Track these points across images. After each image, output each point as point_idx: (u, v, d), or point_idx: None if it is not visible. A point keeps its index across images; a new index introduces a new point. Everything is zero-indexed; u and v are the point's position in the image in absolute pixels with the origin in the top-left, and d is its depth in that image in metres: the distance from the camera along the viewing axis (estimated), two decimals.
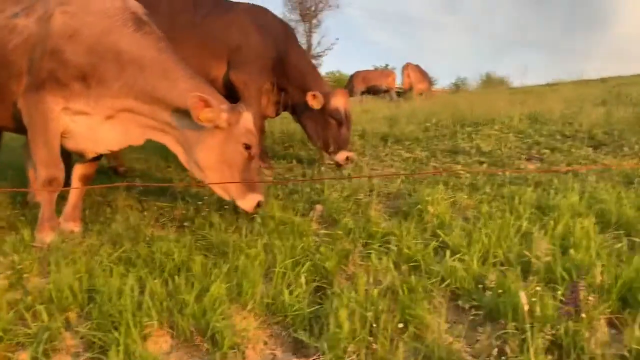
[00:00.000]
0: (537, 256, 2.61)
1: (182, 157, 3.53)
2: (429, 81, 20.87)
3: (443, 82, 33.76)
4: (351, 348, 2.11)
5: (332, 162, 5.38)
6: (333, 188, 4.09)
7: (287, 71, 5.42)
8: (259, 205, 3.44)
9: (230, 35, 5.17)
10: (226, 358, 2.18)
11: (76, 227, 3.56)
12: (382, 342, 2.15)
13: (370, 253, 2.96)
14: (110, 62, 3.27)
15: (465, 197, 3.82)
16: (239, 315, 2.49)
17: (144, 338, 2.25)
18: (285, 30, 5.61)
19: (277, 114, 5.83)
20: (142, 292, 2.51)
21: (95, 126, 3.40)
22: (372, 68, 26.78)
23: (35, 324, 2.32)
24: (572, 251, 2.77)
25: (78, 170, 3.72)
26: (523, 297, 1.89)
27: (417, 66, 20.44)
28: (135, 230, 3.36)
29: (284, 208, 3.72)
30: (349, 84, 22.29)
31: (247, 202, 3.41)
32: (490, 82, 22.65)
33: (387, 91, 21.14)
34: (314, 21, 41.27)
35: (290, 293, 2.57)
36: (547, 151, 5.25)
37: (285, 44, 5.45)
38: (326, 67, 48.69)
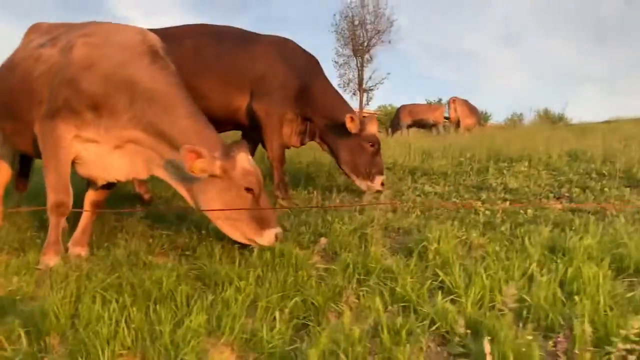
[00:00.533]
0: (504, 302, 2.43)
1: (190, 203, 3.54)
2: (478, 116, 20.53)
3: (499, 117, 33.26)
4: None
5: (368, 189, 5.31)
6: (342, 220, 4.00)
7: (312, 101, 5.44)
8: (276, 237, 3.40)
9: (254, 66, 5.24)
10: None
11: (83, 252, 3.62)
12: None
13: (363, 290, 2.86)
14: (122, 93, 3.35)
15: (475, 235, 3.66)
16: (215, 349, 2.43)
17: None
18: (310, 61, 5.63)
19: (303, 144, 5.82)
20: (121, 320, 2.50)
21: (104, 155, 3.47)
22: (424, 102, 26.63)
23: (12, 348, 2.34)
24: (576, 297, 2.59)
25: (90, 196, 3.81)
26: (487, 346, 1.75)
27: (464, 101, 20.19)
28: (136, 257, 3.37)
29: (288, 239, 3.66)
30: (395, 118, 22.29)
31: (265, 239, 3.37)
32: (548, 118, 22.16)
33: (434, 125, 20.96)
34: (366, 56, 41.72)
35: (272, 329, 2.49)
36: (577, 190, 5.00)
37: (309, 75, 5.48)
38: (379, 101, 48.84)
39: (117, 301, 2.64)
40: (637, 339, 2.10)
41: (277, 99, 5.21)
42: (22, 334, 2.39)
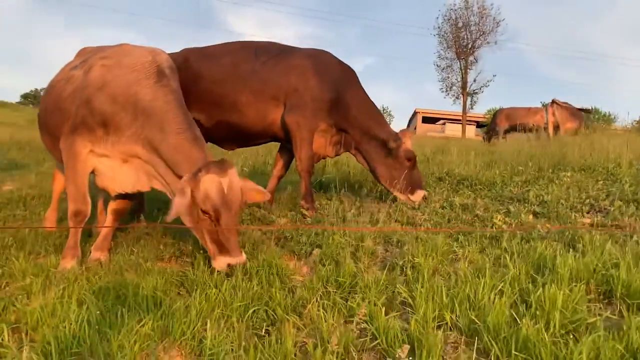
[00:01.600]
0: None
1: None
2: (580, 120, 19.16)
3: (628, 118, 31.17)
4: None
5: (409, 203, 5.29)
6: (341, 233, 4.04)
7: (347, 113, 5.50)
8: (229, 266, 3.35)
9: (288, 79, 5.37)
10: None
11: (103, 256, 3.97)
12: None
13: (325, 304, 2.91)
14: (127, 112, 3.62)
15: (469, 250, 3.54)
16: (165, 352, 2.61)
17: None
18: (345, 74, 5.68)
19: (338, 154, 5.88)
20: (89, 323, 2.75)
21: (115, 168, 3.79)
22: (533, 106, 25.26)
23: None
24: (523, 320, 2.46)
25: (112, 205, 4.16)
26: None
27: (565, 104, 19.00)
28: (137, 263, 3.65)
29: (282, 251, 3.78)
30: (492, 123, 21.47)
31: (218, 264, 3.37)
32: None
33: (534, 130, 19.91)
34: (471, 58, 40.54)
35: (223, 336, 2.63)
36: (620, 203, 4.61)
37: (344, 87, 5.53)
38: (486, 104, 47.21)
39: (93, 303, 2.91)
40: None
41: (309, 111, 5.30)
42: (6, 330, 2.72)
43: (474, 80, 40.02)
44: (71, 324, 2.66)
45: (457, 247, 3.66)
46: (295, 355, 2.45)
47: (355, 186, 6.57)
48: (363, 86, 5.77)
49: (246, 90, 5.38)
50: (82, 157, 3.77)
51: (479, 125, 52.04)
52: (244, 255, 3.39)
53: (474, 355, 2.33)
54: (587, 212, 4.61)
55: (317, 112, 5.36)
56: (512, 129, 20.16)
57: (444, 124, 61.25)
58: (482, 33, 39.66)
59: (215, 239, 3.35)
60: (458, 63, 40.53)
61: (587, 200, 4.82)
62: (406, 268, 3.30)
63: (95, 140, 3.73)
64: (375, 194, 5.90)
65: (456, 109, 43.23)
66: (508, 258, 3.31)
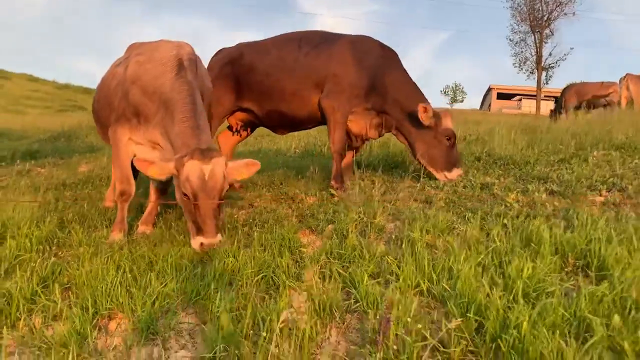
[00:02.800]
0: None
1: None
2: None
3: None
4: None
5: (445, 180, 5.50)
6: (357, 210, 4.37)
7: (387, 96, 5.72)
8: (202, 246, 3.59)
9: (328, 66, 5.65)
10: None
11: (148, 230, 4.52)
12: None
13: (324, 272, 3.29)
14: (154, 102, 4.03)
15: (469, 226, 3.78)
16: (183, 311, 3.09)
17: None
18: (385, 57, 5.86)
19: (380, 135, 6.13)
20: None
21: (148, 153, 4.23)
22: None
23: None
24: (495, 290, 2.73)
25: (152, 184, 4.71)
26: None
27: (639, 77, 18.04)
28: (173, 236, 4.17)
29: (301, 225, 4.18)
30: (560, 99, 20.74)
31: (193, 242, 3.65)
32: None
33: (607, 105, 19.07)
34: (546, 31, 38.89)
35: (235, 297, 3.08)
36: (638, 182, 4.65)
37: (384, 71, 5.73)
38: (567, 78, 45.06)
39: (129, 269, 3.44)
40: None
41: (344, 96, 5.57)
42: (57, 288, 3.30)
43: (550, 54, 38.47)
44: (107, 285, 3.19)
45: (458, 224, 3.91)
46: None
47: (397, 165, 6.85)
48: (404, 67, 5.94)
49: (291, 80, 5.74)
50: (123, 143, 4.30)
51: (557, 100, 49.92)
52: (218, 237, 3.61)
53: (437, 315, 2.63)
54: (609, 191, 4.68)
55: (353, 98, 5.62)
56: (582, 104, 19.41)
57: (520, 100, 59.22)
58: (558, 4, 37.95)
59: (194, 219, 3.63)
60: (532, 36, 39.00)
61: (611, 179, 4.86)
62: (404, 242, 3.60)
63: (132, 129, 4.24)
64: (413, 173, 6.11)
65: (531, 84, 41.68)
66: (502, 233, 3.54)
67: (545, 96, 43.35)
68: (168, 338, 2.85)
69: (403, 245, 3.52)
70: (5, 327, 2.92)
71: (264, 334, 2.57)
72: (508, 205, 4.37)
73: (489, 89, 65.46)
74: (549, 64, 38.94)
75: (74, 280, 3.40)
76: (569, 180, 4.88)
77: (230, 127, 6.58)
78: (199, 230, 3.59)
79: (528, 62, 39.18)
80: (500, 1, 57.07)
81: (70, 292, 3.32)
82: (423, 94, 5.89)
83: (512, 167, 6.05)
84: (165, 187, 4.72)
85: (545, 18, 38.72)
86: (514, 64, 39.79)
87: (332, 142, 5.69)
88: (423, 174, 5.43)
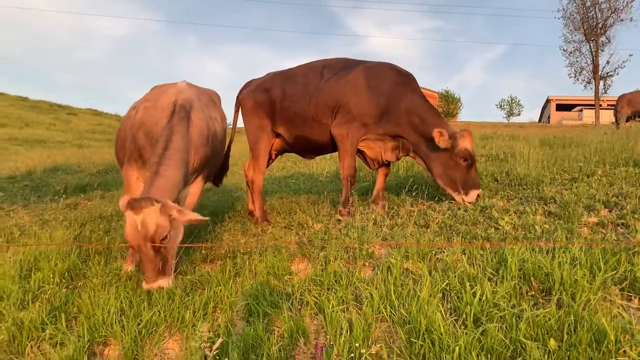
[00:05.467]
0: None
1: None
2: None
3: None
4: None
5: (463, 203, 5.52)
6: (348, 234, 4.55)
7: (401, 120, 5.77)
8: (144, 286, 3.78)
9: (342, 93, 5.80)
10: None
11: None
12: None
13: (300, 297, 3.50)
14: (153, 145, 4.30)
15: (452, 251, 3.89)
16: (170, 336, 3.37)
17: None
18: (399, 84, 5.88)
19: (398, 159, 6.17)
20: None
21: None
22: None
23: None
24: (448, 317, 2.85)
25: None
26: None
27: None
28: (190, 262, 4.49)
29: (300, 250, 4.42)
30: (615, 108, 20.08)
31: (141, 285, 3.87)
32: None
33: None
34: (602, 39, 37.64)
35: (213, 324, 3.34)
36: (635, 201, 4.59)
37: (399, 96, 5.79)
38: (628, 87, 43.31)
39: (126, 298, 3.76)
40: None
41: (355, 125, 5.74)
42: (64, 316, 3.66)
43: (607, 62, 37.11)
44: (105, 314, 3.51)
45: (440, 249, 4.01)
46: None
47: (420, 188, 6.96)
48: (421, 91, 5.96)
49: (313, 106, 5.97)
50: (133, 181, 4.64)
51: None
52: (157, 283, 3.75)
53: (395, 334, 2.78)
54: (610, 210, 4.65)
55: (363, 127, 5.77)
56: (636, 114, 18.74)
57: (580, 110, 57.31)
58: (614, 10, 36.69)
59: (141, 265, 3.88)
60: (587, 45, 37.82)
61: (614, 199, 4.82)
62: (382, 268, 3.75)
63: (139, 169, 4.59)
64: (428, 196, 6.20)
65: (589, 94, 40.30)
66: (480, 257, 3.65)
67: (609, 105, 41.79)
68: None
69: (378, 272, 3.68)
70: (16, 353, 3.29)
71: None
72: (500, 228, 4.43)
73: (548, 101, 63.74)
74: (607, 73, 37.56)
75: (82, 310, 3.75)
76: (568, 201, 4.87)
77: None
78: (143, 275, 3.81)
79: (584, 72, 37.95)
80: (551, 11, 55.38)
81: (76, 321, 3.68)
82: (440, 116, 5.89)
83: (525, 188, 6.04)
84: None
85: (600, 25, 37.52)
86: (569, 74, 38.67)
87: (341, 169, 5.87)
88: (444, 195, 5.50)
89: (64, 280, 4.40)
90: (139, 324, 3.36)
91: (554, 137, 11.55)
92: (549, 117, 60.73)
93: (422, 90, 6.03)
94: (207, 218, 3.98)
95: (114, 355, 3.27)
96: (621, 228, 4.17)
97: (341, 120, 5.80)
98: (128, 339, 3.21)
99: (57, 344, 3.37)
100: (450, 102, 62.39)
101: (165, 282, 3.78)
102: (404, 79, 5.99)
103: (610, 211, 4.62)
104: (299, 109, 6.05)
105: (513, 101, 72.13)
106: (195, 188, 4.83)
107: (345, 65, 6.10)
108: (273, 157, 6.87)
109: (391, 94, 5.79)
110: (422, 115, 5.78)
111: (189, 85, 5.06)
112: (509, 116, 70.77)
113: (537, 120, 63.74)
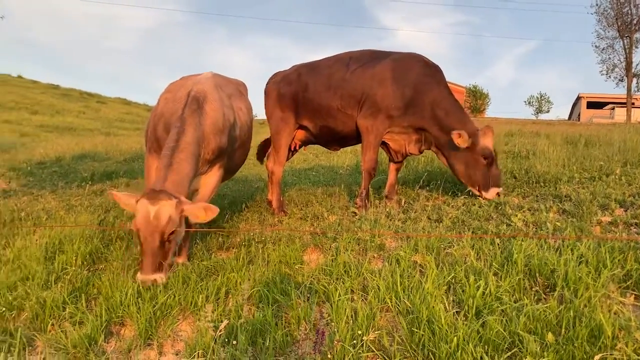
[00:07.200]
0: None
1: None
2: None
3: None
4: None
5: (483, 199, 5.54)
6: (361, 226, 4.63)
7: (425, 114, 5.76)
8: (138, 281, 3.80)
9: (368, 85, 5.82)
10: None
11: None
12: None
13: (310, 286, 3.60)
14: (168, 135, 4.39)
15: (460, 246, 3.94)
16: (183, 318, 3.51)
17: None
18: (426, 77, 5.86)
19: (421, 152, 6.19)
20: None
21: None
22: None
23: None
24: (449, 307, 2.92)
25: None
26: None
27: None
28: (194, 252, 4.63)
29: (313, 240, 4.52)
30: None
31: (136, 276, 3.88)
32: None
33: None
34: (636, 36, 36.87)
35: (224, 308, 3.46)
36: None
37: (425, 89, 5.77)
38: None
39: None
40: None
41: (380, 117, 5.75)
42: (83, 297, 3.82)
43: None
44: (122, 295, 3.67)
45: (449, 243, 4.06)
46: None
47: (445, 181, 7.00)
48: (447, 84, 5.95)
49: (338, 98, 6.02)
50: (152, 171, 4.74)
51: None
52: (153, 276, 3.75)
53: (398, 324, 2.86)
54: (626, 210, 4.64)
55: (388, 119, 5.78)
56: None
57: (612, 108, 56.06)
58: None
59: (139, 254, 3.94)
60: (620, 42, 37.10)
61: (630, 199, 4.80)
62: (392, 260, 3.83)
63: (157, 159, 4.72)
64: (444, 190, 6.23)
65: (620, 92, 39.55)
66: (488, 252, 3.69)
67: None
68: (164, 343, 3.26)
69: (386, 264, 3.75)
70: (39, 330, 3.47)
71: (234, 342, 2.91)
72: (512, 224, 4.46)
73: (578, 98, 62.50)
74: None
75: (101, 291, 3.92)
76: (583, 200, 4.86)
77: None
78: (140, 265, 3.84)
79: (617, 69, 37.27)
80: (584, 7, 54.23)
81: (95, 302, 3.84)
82: (463, 111, 5.89)
83: (542, 186, 6.03)
84: None
85: (634, 22, 36.73)
86: (600, 71, 38.03)
87: (362, 161, 5.92)
88: (460, 190, 5.53)
89: (85, 263, 4.58)
90: (154, 306, 3.50)
91: (580, 136, 11.38)
92: (579, 115, 59.56)
93: (449, 84, 6.03)
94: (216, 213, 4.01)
95: (129, 335, 3.42)
96: (634, 227, 4.16)
97: (367, 112, 5.82)
98: (143, 320, 3.35)
99: (76, 322, 3.53)
100: (477, 97, 61.73)
101: (160, 278, 3.79)
102: (430, 71, 5.97)
103: (625, 210, 4.61)
104: (324, 100, 6.10)
105: (542, 98, 70.95)
106: (211, 179, 4.80)
107: (372, 57, 6.10)
108: (297, 147, 6.95)
109: (417, 85, 5.77)
110: (447, 108, 5.77)
111: (214, 76, 5.15)
112: (537, 113, 69.68)
113: (566, 118, 62.53)
